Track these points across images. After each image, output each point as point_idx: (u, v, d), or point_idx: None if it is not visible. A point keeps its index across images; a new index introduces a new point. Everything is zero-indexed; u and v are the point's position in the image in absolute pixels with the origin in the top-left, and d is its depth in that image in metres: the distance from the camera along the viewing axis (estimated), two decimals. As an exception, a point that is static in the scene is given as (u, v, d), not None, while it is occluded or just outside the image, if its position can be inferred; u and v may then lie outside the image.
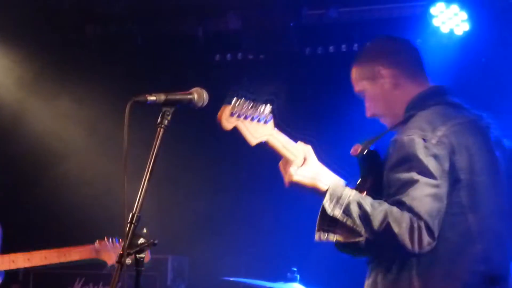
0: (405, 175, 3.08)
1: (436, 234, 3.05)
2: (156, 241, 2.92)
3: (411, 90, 3.42)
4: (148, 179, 2.91)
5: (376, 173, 3.24)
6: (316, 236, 3.16)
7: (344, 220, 3.08)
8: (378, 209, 3.04)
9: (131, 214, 2.87)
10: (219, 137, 6.68)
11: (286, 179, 3.20)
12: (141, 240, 2.89)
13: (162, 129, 2.98)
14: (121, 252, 2.84)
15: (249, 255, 6.59)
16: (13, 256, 4.95)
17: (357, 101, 3.59)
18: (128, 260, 2.86)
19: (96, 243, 5.07)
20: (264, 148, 3.14)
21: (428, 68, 3.55)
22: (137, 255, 2.89)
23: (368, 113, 3.52)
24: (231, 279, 5.51)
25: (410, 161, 3.10)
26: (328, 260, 6.10)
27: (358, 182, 3.27)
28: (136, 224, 2.87)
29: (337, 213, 3.10)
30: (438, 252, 3.09)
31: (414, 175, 3.06)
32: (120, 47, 7.23)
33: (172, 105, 3.02)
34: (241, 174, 6.90)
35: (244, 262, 6.47)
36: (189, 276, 6.72)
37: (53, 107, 7.05)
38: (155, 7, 7.05)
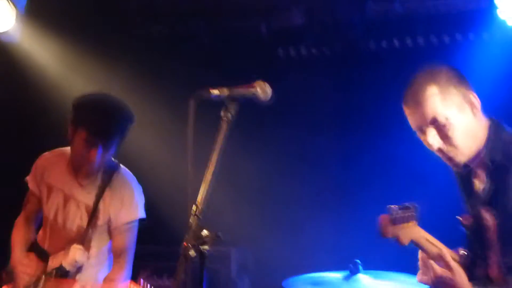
0: None
1: None
2: (219, 233, 2.95)
3: None
4: (211, 172, 2.95)
5: None
6: None
7: None
8: None
9: (194, 206, 2.91)
10: (276, 134, 6.79)
11: (432, 274, 3.24)
12: (205, 232, 2.92)
13: (225, 123, 3.03)
14: (185, 244, 2.88)
15: (314, 249, 6.58)
16: None
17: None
18: (192, 253, 2.90)
19: None
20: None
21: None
22: (201, 247, 2.93)
23: None
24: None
25: None
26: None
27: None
28: (199, 216, 2.90)
29: None
30: None
31: None
32: (185, 46, 7.29)
33: (236, 98, 3.06)
34: (304, 168, 6.89)
35: (308, 256, 6.46)
36: (254, 270, 6.72)
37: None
38: (220, 5, 7.09)
